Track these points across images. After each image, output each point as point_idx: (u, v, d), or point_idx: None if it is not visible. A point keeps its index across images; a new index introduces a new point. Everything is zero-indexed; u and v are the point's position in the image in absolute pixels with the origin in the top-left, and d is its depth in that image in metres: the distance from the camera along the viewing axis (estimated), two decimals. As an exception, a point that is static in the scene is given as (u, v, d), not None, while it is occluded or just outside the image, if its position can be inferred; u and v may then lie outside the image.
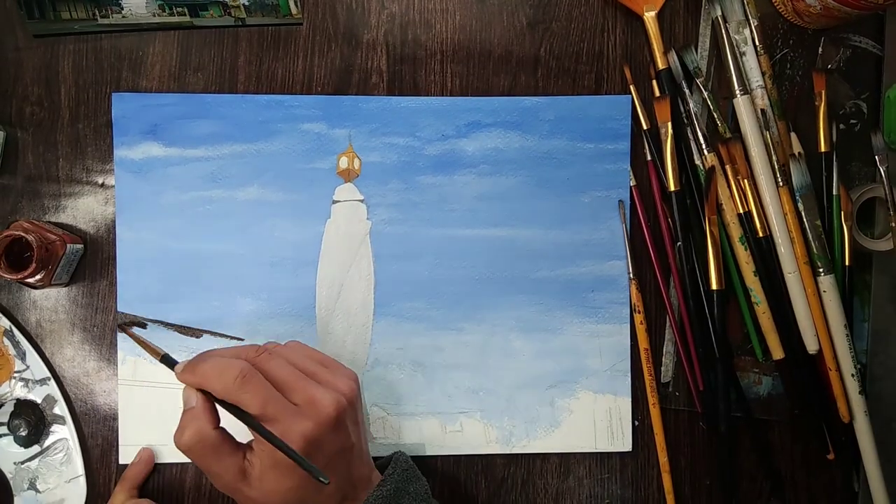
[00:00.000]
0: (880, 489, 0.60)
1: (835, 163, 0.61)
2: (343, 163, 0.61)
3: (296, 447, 0.46)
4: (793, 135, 0.62)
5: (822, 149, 0.61)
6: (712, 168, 0.61)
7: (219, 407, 0.49)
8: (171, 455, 0.60)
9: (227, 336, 0.60)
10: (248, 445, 0.49)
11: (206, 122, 0.61)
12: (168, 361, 0.51)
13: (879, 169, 0.60)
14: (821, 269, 0.60)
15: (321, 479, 0.44)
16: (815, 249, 0.60)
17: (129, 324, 0.60)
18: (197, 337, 0.60)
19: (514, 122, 0.62)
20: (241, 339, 0.60)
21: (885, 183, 0.59)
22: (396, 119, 0.62)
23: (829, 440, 0.62)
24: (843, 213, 0.61)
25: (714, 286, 0.60)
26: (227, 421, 0.48)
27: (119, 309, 0.60)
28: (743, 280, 0.61)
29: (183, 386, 0.49)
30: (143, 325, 0.60)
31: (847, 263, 0.61)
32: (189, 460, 0.50)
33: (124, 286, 0.60)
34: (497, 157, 0.62)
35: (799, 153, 0.61)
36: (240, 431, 0.49)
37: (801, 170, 0.60)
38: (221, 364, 0.47)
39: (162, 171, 0.61)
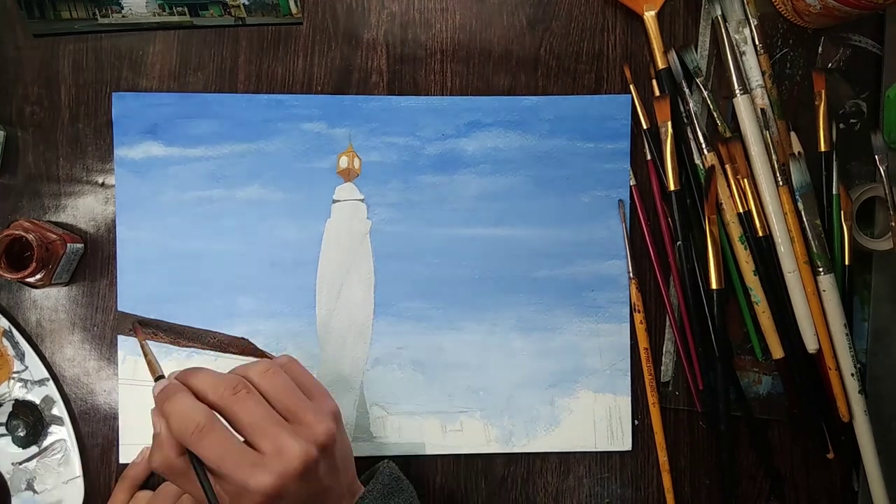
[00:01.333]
0: (880, 489, 0.60)
1: (835, 162, 0.61)
2: (343, 162, 0.62)
3: (255, 501, 0.44)
4: (792, 134, 0.62)
5: (822, 148, 0.61)
6: (712, 167, 0.61)
7: None
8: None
9: (227, 336, 0.60)
10: None
11: (207, 121, 0.61)
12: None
13: (879, 168, 0.60)
14: (820, 269, 0.60)
15: None
16: (814, 249, 0.60)
17: (139, 325, 0.58)
18: (183, 347, 0.60)
19: (514, 121, 0.62)
20: (241, 339, 0.61)
21: (885, 182, 0.59)
22: (396, 118, 0.62)
23: (829, 440, 0.62)
24: (842, 212, 0.61)
25: (714, 285, 0.60)
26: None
27: (119, 308, 0.60)
28: (743, 279, 0.61)
29: None
30: (154, 336, 0.60)
31: (847, 263, 0.61)
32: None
33: (124, 286, 0.60)
34: (497, 156, 0.62)
35: (799, 152, 0.61)
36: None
37: (801, 169, 0.60)
38: (185, 409, 0.46)
39: (162, 170, 0.61)
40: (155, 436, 0.47)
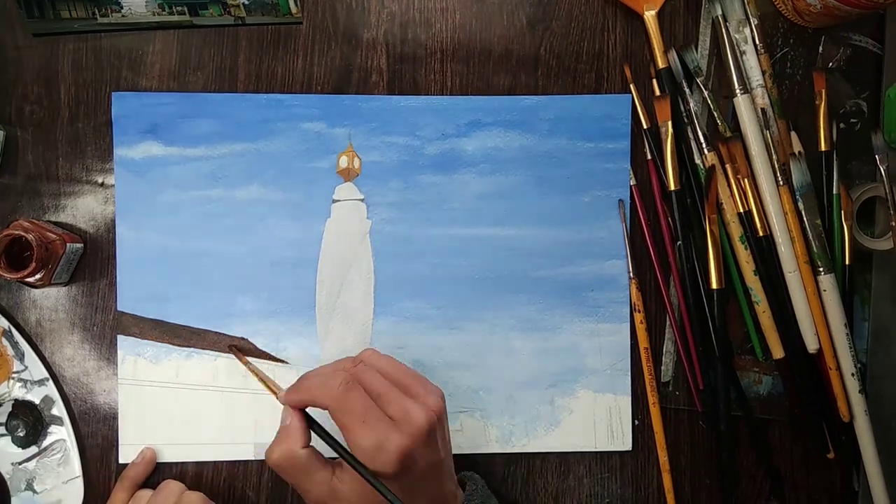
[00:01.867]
0: (880, 488, 0.60)
1: (835, 162, 0.61)
2: (343, 162, 0.61)
3: (392, 459, 0.47)
4: (793, 134, 0.62)
5: (823, 148, 0.61)
6: (712, 167, 0.61)
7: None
8: (172, 455, 0.60)
9: (226, 336, 0.60)
10: (339, 463, 0.51)
11: (206, 121, 0.61)
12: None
13: (879, 168, 0.60)
14: (821, 269, 0.60)
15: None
16: (815, 249, 0.60)
17: (235, 349, 0.60)
18: (182, 347, 0.60)
19: (515, 121, 0.62)
20: (242, 338, 0.61)
21: (885, 182, 0.59)
22: (396, 118, 0.62)
23: (829, 439, 0.62)
24: (843, 212, 0.61)
25: (714, 285, 0.60)
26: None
27: (119, 308, 0.60)
28: (743, 279, 0.61)
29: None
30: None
31: (847, 262, 0.61)
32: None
33: (124, 285, 0.60)
34: (497, 156, 0.62)
35: (799, 152, 0.61)
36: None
37: (802, 169, 0.60)
38: (325, 376, 0.50)
39: (162, 170, 0.61)
40: (281, 429, 0.51)
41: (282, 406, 0.52)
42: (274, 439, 0.51)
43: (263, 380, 0.58)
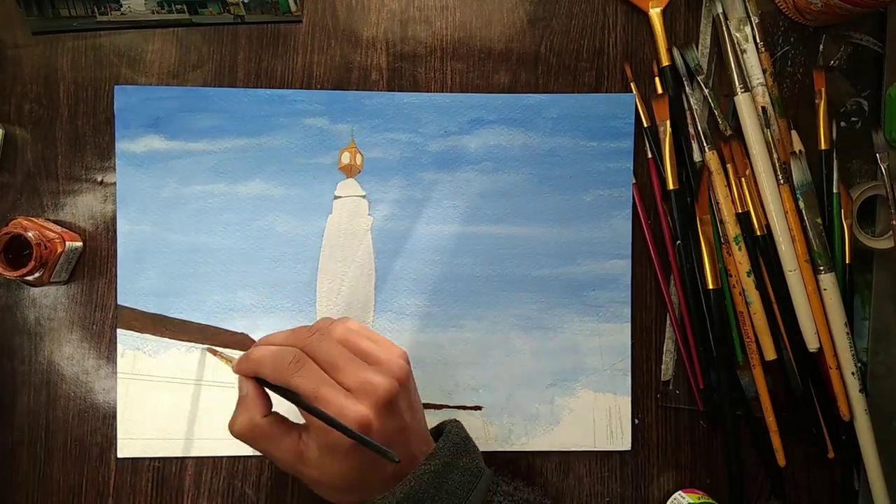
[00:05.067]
0: (881, 488, 0.60)
1: (835, 161, 0.61)
2: (345, 158, 0.61)
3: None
4: (793, 132, 0.61)
5: (823, 146, 0.61)
6: (703, 168, 0.61)
7: (272, 393, 0.50)
8: (170, 449, 0.60)
9: (226, 331, 0.60)
10: (304, 426, 0.49)
11: (209, 115, 0.61)
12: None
13: (880, 167, 0.60)
14: (821, 267, 0.60)
15: (392, 458, 0.45)
16: (815, 247, 0.60)
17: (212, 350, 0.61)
18: (182, 342, 0.60)
19: (518, 119, 0.62)
20: (241, 335, 0.60)
21: (886, 181, 0.59)
22: (399, 115, 0.62)
23: (829, 439, 0.62)
24: (843, 210, 0.61)
25: (710, 285, 0.60)
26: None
27: (119, 302, 0.60)
28: (739, 280, 0.61)
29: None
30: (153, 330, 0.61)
31: (847, 262, 0.61)
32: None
33: (124, 279, 0.60)
34: (500, 154, 0.62)
35: (800, 151, 0.61)
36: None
37: (802, 167, 0.60)
38: (275, 351, 0.49)
39: (164, 164, 0.60)
40: (240, 399, 0.50)
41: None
42: (235, 411, 0.50)
43: (227, 358, 0.57)
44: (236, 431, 0.49)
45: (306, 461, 0.48)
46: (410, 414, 0.50)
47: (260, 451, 0.50)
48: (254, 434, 0.49)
